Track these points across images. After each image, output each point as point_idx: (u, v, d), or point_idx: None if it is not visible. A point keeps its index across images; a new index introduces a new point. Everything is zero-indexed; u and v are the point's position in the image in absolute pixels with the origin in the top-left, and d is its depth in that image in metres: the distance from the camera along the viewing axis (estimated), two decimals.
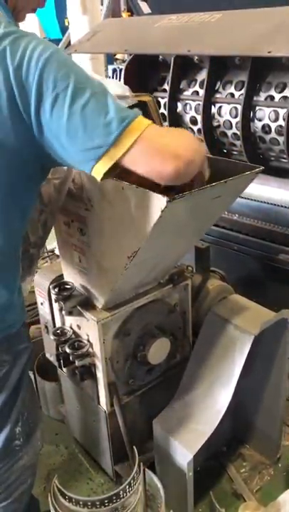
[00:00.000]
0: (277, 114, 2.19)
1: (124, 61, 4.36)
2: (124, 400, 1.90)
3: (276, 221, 2.41)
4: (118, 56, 6.43)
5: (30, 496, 1.64)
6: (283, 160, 2.29)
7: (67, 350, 1.78)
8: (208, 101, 2.40)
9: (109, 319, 1.75)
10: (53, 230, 1.78)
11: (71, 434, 2.32)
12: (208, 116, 2.42)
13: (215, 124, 2.43)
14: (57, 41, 5.20)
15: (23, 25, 1.42)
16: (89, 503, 1.56)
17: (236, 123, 2.32)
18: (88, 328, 1.79)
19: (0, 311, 1.33)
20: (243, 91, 2.27)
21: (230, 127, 2.37)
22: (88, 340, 1.80)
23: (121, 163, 1.12)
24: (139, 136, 1.10)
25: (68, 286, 1.84)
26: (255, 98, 2.26)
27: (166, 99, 2.59)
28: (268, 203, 2.45)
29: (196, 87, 2.51)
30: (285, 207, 2.37)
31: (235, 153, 2.48)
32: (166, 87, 2.61)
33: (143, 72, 2.73)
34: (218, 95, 2.41)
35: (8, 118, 1.12)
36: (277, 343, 1.96)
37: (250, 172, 1.48)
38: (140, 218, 1.39)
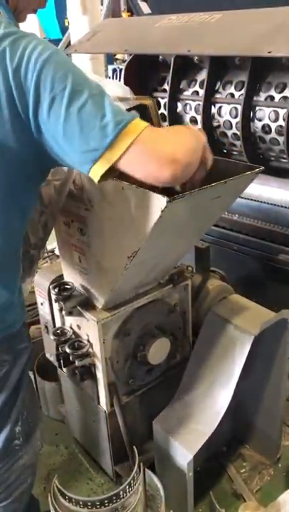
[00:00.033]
0: (277, 114, 2.19)
1: (124, 61, 4.37)
2: (124, 400, 1.90)
3: (276, 221, 2.41)
4: (118, 56, 6.44)
5: (30, 496, 1.64)
6: (283, 160, 2.29)
7: (67, 350, 1.78)
8: (208, 101, 2.40)
9: (109, 319, 1.75)
10: (53, 230, 1.78)
11: (71, 434, 2.32)
12: (208, 117, 2.42)
13: (215, 124, 2.43)
14: (57, 41, 5.20)
15: (23, 25, 1.42)
16: (89, 503, 1.56)
17: (236, 123, 2.32)
18: (88, 328, 1.79)
19: (0, 311, 1.33)
20: (243, 91, 2.27)
21: (230, 127, 2.37)
22: (88, 341, 1.81)
23: (118, 167, 1.12)
24: (136, 139, 1.09)
25: (68, 287, 1.84)
26: (255, 98, 2.25)
27: (166, 100, 2.59)
28: (268, 203, 2.44)
29: (196, 87, 2.51)
30: (285, 207, 2.37)
31: (235, 153, 2.48)
32: (166, 87, 2.61)
33: (143, 72, 2.73)
34: (218, 95, 2.41)
35: (7, 118, 1.13)
36: (277, 343, 1.96)
37: (250, 172, 1.48)
38: (140, 218, 1.39)
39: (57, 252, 2.00)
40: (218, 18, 2.26)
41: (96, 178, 1.14)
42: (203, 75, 2.47)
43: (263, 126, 2.25)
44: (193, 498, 1.84)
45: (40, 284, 2.00)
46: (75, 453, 2.27)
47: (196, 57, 2.48)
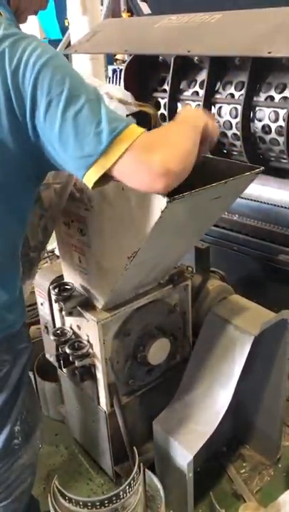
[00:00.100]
0: (277, 114, 2.19)
1: (124, 61, 4.37)
2: (124, 400, 1.90)
3: (276, 221, 2.41)
4: (118, 56, 6.45)
5: (30, 496, 1.64)
6: (283, 160, 2.29)
7: (67, 351, 1.78)
8: (208, 101, 2.40)
9: (109, 320, 1.75)
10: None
11: (71, 435, 2.32)
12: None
13: None
14: (57, 41, 5.21)
15: (24, 25, 1.42)
16: (89, 504, 1.56)
17: (236, 123, 2.32)
18: (88, 329, 1.79)
19: (0, 311, 1.33)
20: (243, 91, 2.27)
21: (230, 128, 2.37)
22: (88, 341, 1.80)
23: (112, 174, 1.12)
24: (129, 146, 1.09)
25: (68, 287, 1.84)
26: (255, 98, 2.25)
27: (166, 100, 2.59)
28: (267, 204, 2.44)
29: (196, 88, 2.51)
30: (285, 207, 2.37)
31: (235, 153, 2.48)
32: (166, 87, 2.61)
33: (143, 72, 2.73)
34: (218, 96, 2.41)
35: (5, 120, 1.13)
36: (277, 343, 1.96)
37: (250, 172, 1.47)
38: (140, 218, 1.39)
39: (57, 252, 2.00)
40: (218, 18, 2.26)
41: (90, 184, 1.14)
42: (203, 76, 2.47)
43: (263, 127, 2.25)
44: (193, 498, 1.84)
45: (40, 285, 2.00)
46: (75, 453, 2.27)
47: (196, 58, 2.48)
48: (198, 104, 2.45)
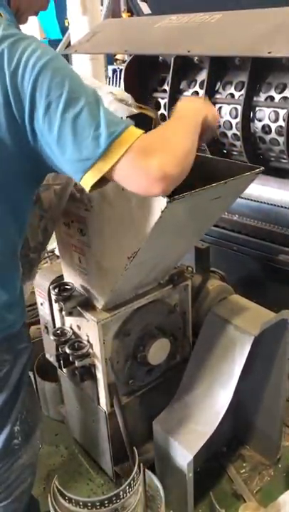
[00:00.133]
0: (277, 114, 2.19)
1: (124, 61, 4.37)
2: (124, 400, 1.90)
3: (276, 221, 2.41)
4: (118, 56, 6.45)
5: (30, 496, 1.64)
6: (283, 160, 2.29)
7: (67, 351, 1.78)
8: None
9: (109, 320, 1.75)
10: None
11: (71, 435, 2.32)
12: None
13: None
14: (57, 42, 5.21)
15: (23, 25, 1.41)
16: (89, 504, 1.56)
17: (236, 123, 2.32)
18: (88, 329, 1.79)
19: (0, 311, 1.33)
20: (243, 91, 2.27)
21: (230, 128, 2.37)
22: (88, 341, 1.80)
23: (109, 177, 1.12)
24: (127, 150, 1.09)
25: (68, 287, 1.84)
26: (255, 99, 2.26)
27: (166, 100, 2.59)
28: (268, 204, 2.45)
29: (196, 88, 2.51)
30: (285, 207, 2.37)
31: (235, 153, 2.48)
32: (166, 87, 2.61)
33: (143, 72, 2.73)
34: (218, 96, 2.41)
35: (4, 120, 1.12)
36: (277, 343, 1.96)
37: (250, 173, 1.48)
38: (140, 219, 1.39)
39: (57, 252, 2.00)
40: (218, 18, 2.26)
41: (87, 187, 1.14)
42: (203, 76, 2.47)
43: (263, 127, 2.25)
44: (193, 498, 1.84)
45: (40, 285, 2.00)
46: (74, 453, 2.27)
47: (196, 58, 2.48)
48: None
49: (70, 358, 1.79)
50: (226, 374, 1.82)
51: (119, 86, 3.59)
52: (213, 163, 1.61)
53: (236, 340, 1.82)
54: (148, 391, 1.99)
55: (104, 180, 1.13)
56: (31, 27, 6.61)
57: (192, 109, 1.35)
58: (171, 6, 3.08)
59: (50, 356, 2.11)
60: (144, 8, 5.16)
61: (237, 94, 2.34)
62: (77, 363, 1.79)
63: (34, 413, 1.54)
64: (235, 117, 2.32)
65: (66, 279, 1.92)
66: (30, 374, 1.60)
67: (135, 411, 1.98)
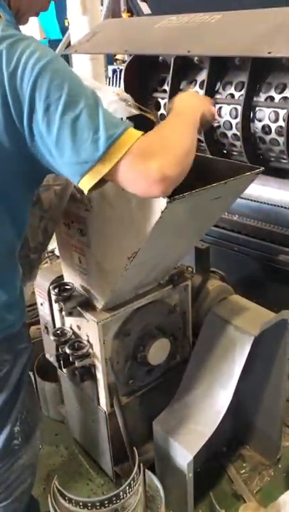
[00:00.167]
0: (277, 114, 2.19)
1: (124, 62, 4.37)
2: (124, 400, 1.90)
3: (276, 222, 2.41)
4: (118, 57, 6.44)
5: (30, 496, 1.64)
6: (283, 161, 2.28)
7: (67, 351, 1.78)
8: None
9: (109, 320, 1.75)
10: None
11: (71, 435, 2.32)
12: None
13: (215, 124, 2.43)
14: (57, 42, 5.21)
15: (24, 26, 1.41)
16: (89, 504, 1.56)
17: (236, 124, 2.32)
18: (88, 329, 1.79)
19: (0, 311, 1.33)
20: (243, 92, 2.27)
21: (230, 128, 2.37)
22: (88, 341, 1.80)
23: (108, 179, 1.12)
24: (127, 152, 1.09)
25: (68, 287, 1.84)
26: (255, 99, 2.25)
27: (166, 100, 2.59)
28: (268, 204, 2.44)
29: (196, 88, 2.51)
30: (285, 207, 2.37)
31: (235, 153, 2.48)
32: (166, 87, 2.61)
33: (143, 72, 2.73)
34: (218, 96, 2.41)
35: (1, 122, 1.12)
36: (277, 343, 1.96)
37: (250, 173, 1.48)
38: (140, 219, 1.39)
39: (57, 252, 2.00)
40: (218, 18, 2.26)
41: (85, 190, 1.14)
42: (203, 76, 2.47)
43: (263, 127, 2.25)
44: (193, 498, 1.84)
45: (40, 285, 2.00)
46: (74, 453, 2.27)
47: (196, 58, 2.47)
48: None
49: (70, 358, 1.79)
50: (226, 374, 1.82)
51: (119, 86, 3.59)
52: (213, 163, 1.61)
53: (236, 340, 1.82)
54: (148, 391, 1.99)
55: (102, 181, 1.13)
56: (31, 27, 6.61)
57: (190, 105, 1.35)
58: (171, 6, 3.07)
59: (50, 356, 2.11)
60: (144, 8, 5.16)
61: (237, 95, 2.34)
62: (77, 363, 1.79)
63: (34, 413, 1.54)
64: (235, 117, 2.32)
65: (66, 279, 1.92)
66: (30, 374, 1.60)
67: (135, 411, 1.98)
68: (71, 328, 1.89)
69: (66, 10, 3.86)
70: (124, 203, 1.43)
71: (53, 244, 2.04)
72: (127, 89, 2.54)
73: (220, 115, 2.40)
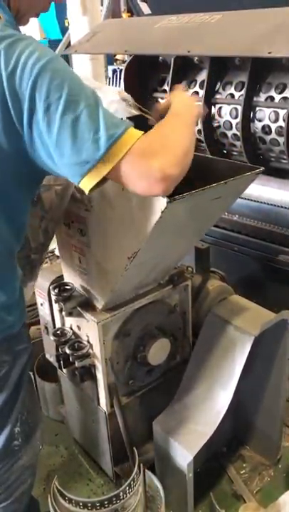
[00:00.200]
0: (277, 114, 2.19)
1: (124, 62, 4.36)
2: (124, 400, 1.90)
3: (276, 222, 2.41)
4: (118, 57, 6.44)
5: (30, 496, 1.64)
6: (283, 161, 2.28)
7: (67, 351, 1.78)
8: (208, 102, 2.40)
9: (109, 320, 1.75)
10: None
11: (71, 435, 2.32)
12: (208, 117, 2.42)
13: (215, 124, 2.43)
14: (57, 42, 5.20)
15: (24, 26, 1.41)
16: (89, 504, 1.56)
17: (236, 124, 2.32)
18: (88, 329, 1.79)
19: (0, 312, 1.33)
20: (243, 92, 2.27)
21: (231, 128, 2.37)
22: (88, 341, 1.80)
23: (109, 178, 1.12)
24: (126, 153, 1.09)
25: (68, 287, 1.84)
26: (255, 99, 2.26)
27: None
28: (268, 204, 2.44)
29: (196, 88, 2.51)
30: (285, 208, 2.37)
31: (235, 153, 2.48)
32: (166, 87, 2.61)
33: (143, 72, 2.73)
34: (218, 96, 2.41)
35: (0, 122, 1.12)
36: (277, 343, 1.96)
37: (251, 173, 1.48)
38: (140, 219, 1.39)
39: (57, 252, 2.00)
40: (218, 18, 2.26)
41: (86, 190, 1.14)
42: (203, 76, 2.47)
43: (263, 127, 2.25)
44: (193, 499, 1.84)
45: (40, 285, 2.00)
46: (74, 454, 2.27)
47: (196, 58, 2.48)
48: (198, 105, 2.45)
49: (70, 359, 1.79)
50: (226, 374, 1.82)
51: (119, 86, 3.58)
52: (213, 163, 1.61)
53: (236, 340, 1.82)
54: (148, 391, 1.99)
55: (103, 181, 1.13)
56: (31, 27, 6.61)
57: (186, 107, 1.36)
58: (171, 6, 3.07)
59: (50, 356, 2.11)
60: (144, 8, 5.16)
61: (237, 95, 2.34)
62: (77, 364, 1.78)
63: (34, 414, 1.54)
64: (236, 117, 2.32)
65: (66, 279, 1.92)
66: (30, 374, 1.60)
67: (135, 411, 1.98)
68: (71, 328, 1.89)
69: (66, 10, 3.86)
70: (124, 202, 1.43)
71: (53, 245, 2.04)
72: (127, 89, 2.54)
73: (220, 115, 2.40)
